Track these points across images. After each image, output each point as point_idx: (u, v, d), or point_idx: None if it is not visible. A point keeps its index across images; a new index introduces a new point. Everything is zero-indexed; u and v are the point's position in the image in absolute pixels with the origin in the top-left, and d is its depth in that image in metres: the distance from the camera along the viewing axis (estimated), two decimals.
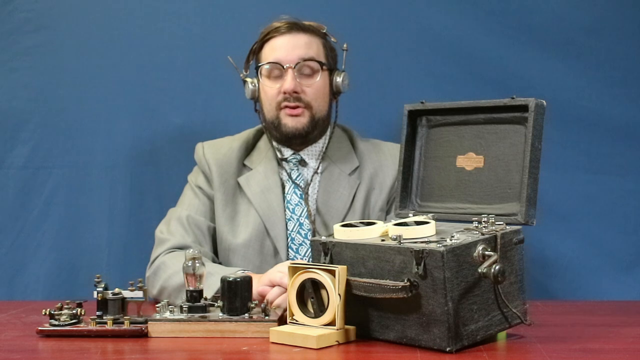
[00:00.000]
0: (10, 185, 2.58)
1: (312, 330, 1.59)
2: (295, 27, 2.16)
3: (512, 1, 2.57)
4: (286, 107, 2.14)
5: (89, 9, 2.60)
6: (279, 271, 1.81)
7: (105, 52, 2.59)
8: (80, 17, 2.59)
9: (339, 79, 2.19)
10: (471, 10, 2.58)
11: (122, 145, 2.60)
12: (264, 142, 2.27)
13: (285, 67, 2.13)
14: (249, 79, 2.21)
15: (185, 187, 2.28)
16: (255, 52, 2.20)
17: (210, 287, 1.84)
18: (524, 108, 1.67)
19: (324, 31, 2.19)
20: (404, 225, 1.65)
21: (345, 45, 2.20)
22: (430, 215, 1.72)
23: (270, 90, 2.15)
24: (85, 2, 2.60)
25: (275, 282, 1.81)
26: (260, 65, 2.17)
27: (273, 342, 1.61)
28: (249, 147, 2.27)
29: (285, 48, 2.14)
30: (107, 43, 2.59)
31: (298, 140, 2.19)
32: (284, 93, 2.13)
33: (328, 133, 2.24)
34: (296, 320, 1.64)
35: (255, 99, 2.22)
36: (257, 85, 2.19)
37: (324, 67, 2.17)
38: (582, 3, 2.56)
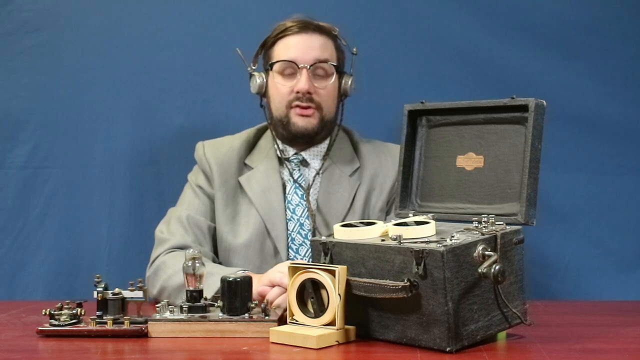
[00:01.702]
0: (10, 185, 2.58)
1: (312, 330, 1.59)
2: (310, 26, 2.15)
3: (512, 1, 2.58)
4: (297, 106, 2.14)
5: (89, 9, 2.60)
6: (279, 271, 1.81)
7: (105, 52, 2.59)
8: (80, 17, 2.60)
9: (348, 83, 2.19)
10: (471, 10, 2.58)
11: (122, 145, 2.60)
12: (265, 141, 2.27)
13: (300, 66, 2.12)
14: (256, 73, 2.20)
15: (185, 187, 2.28)
16: (267, 47, 2.20)
17: (210, 287, 1.84)
18: (524, 108, 1.67)
19: (336, 33, 2.19)
20: (404, 225, 1.64)
21: (354, 50, 2.20)
22: (430, 215, 1.72)
23: (282, 88, 2.15)
24: (85, 2, 2.61)
25: (275, 282, 1.81)
26: (274, 62, 2.15)
27: (273, 342, 1.61)
28: (250, 146, 2.27)
29: (300, 47, 2.13)
30: (107, 43, 2.59)
31: (304, 140, 2.19)
32: (297, 92, 2.12)
33: (332, 135, 2.23)
34: (296, 320, 1.64)
35: (262, 94, 2.21)
36: (264, 80, 2.19)
37: (337, 70, 2.17)
38: (582, 3, 2.57)
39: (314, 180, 2.19)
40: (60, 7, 2.59)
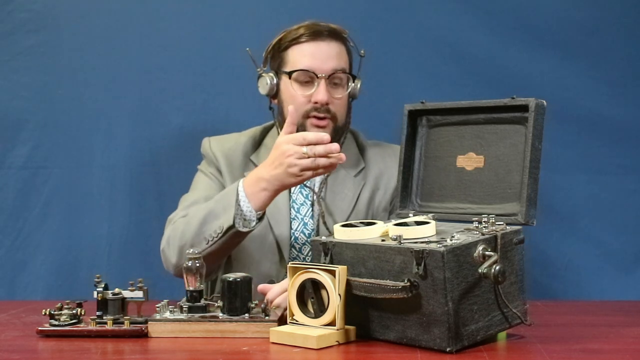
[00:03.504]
0: (10, 185, 2.58)
1: (312, 331, 1.59)
2: (324, 32, 2.11)
3: (512, 1, 2.58)
4: (314, 117, 2.11)
5: (89, 9, 2.60)
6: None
7: (105, 52, 2.59)
8: (80, 17, 2.60)
9: (357, 87, 2.17)
10: (471, 10, 2.58)
11: (122, 145, 2.60)
12: (270, 139, 2.25)
13: (318, 76, 2.09)
14: (265, 74, 2.17)
15: (196, 175, 2.24)
16: (280, 50, 2.15)
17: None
18: (524, 108, 1.67)
19: (346, 36, 2.16)
20: (404, 226, 1.64)
21: (362, 52, 2.17)
22: (430, 215, 1.72)
23: (299, 97, 2.11)
24: (85, 2, 2.61)
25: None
26: (292, 71, 2.10)
27: (273, 342, 1.61)
28: (256, 144, 2.25)
29: (317, 56, 2.10)
30: (107, 43, 2.60)
31: None
32: (315, 103, 2.10)
33: (341, 139, 2.22)
34: (296, 320, 1.64)
35: (272, 96, 2.20)
36: (275, 82, 2.16)
37: (351, 78, 2.16)
38: (582, 3, 2.57)
39: (322, 183, 2.18)
40: (60, 7, 2.59)
